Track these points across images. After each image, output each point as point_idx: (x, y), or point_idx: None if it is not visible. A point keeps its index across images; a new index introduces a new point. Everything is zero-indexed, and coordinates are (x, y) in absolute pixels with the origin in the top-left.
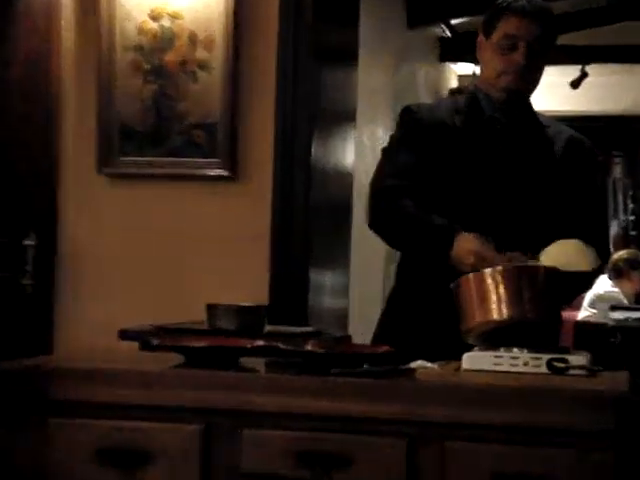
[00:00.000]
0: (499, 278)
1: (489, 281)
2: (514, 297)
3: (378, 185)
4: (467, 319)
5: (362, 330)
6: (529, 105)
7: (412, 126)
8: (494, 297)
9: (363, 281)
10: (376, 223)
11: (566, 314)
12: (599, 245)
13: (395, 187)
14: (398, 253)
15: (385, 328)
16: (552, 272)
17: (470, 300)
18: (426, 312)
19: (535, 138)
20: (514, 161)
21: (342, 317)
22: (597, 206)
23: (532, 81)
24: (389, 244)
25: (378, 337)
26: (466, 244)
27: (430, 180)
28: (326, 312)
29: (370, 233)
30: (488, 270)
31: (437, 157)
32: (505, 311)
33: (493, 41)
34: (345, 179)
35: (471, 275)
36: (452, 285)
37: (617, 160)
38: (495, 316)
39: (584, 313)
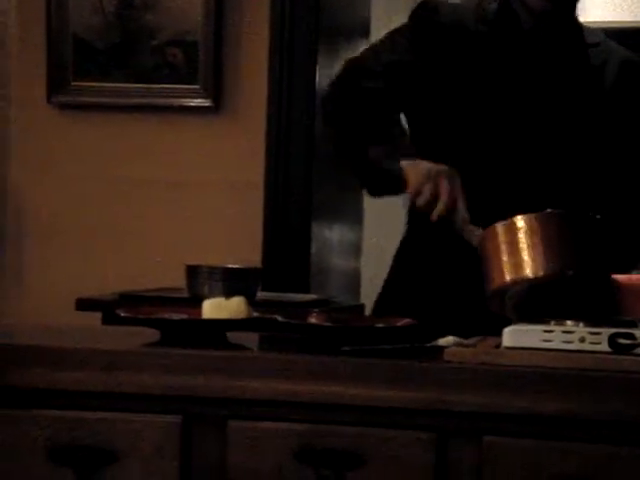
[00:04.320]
0: (534, 227)
1: (521, 231)
2: (553, 249)
3: (350, 68)
4: (492, 279)
5: None
6: (575, 17)
7: (424, 23)
8: (526, 250)
9: (380, 236)
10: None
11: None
12: None
13: (366, 90)
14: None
15: (389, 291)
16: (601, 223)
17: (497, 256)
18: (444, 270)
19: (580, 61)
20: (551, 90)
21: (353, 281)
22: None
23: None
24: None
25: (380, 303)
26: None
27: (433, 97)
28: (333, 275)
29: None
30: (520, 217)
31: (449, 68)
32: (540, 266)
33: None
34: None
35: (499, 225)
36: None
37: None
38: (528, 273)
39: None
